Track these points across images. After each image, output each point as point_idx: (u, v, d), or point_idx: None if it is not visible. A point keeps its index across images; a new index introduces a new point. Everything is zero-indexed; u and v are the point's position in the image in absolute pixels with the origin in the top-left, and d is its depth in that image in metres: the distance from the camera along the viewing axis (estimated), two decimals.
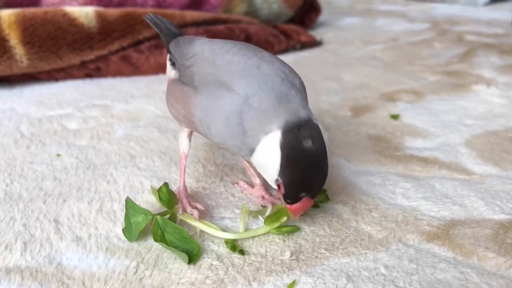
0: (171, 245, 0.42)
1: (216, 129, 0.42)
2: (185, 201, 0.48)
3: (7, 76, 0.89)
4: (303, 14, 1.36)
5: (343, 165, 0.59)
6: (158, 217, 0.44)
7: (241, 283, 0.39)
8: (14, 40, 0.85)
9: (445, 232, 0.46)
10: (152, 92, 0.86)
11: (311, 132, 0.39)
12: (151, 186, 0.53)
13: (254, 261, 0.42)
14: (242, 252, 0.43)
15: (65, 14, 0.91)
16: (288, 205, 0.41)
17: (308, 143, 0.39)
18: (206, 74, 0.43)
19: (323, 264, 0.42)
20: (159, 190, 0.48)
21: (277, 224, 0.45)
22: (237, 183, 0.54)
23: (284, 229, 0.45)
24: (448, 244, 0.44)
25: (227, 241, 0.44)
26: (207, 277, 0.40)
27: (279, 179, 0.40)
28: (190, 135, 0.51)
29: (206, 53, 0.45)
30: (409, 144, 0.65)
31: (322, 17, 1.48)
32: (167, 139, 0.67)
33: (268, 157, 0.40)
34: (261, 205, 0.50)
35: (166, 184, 0.49)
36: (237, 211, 0.50)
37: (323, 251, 0.43)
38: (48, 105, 0.80)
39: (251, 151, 0.41)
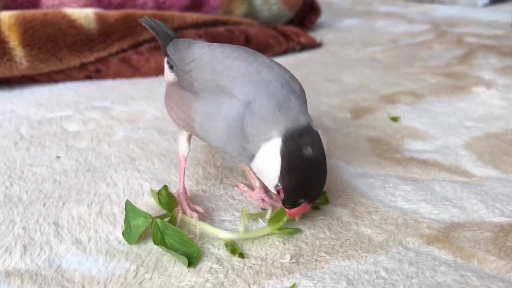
0: (171, 248, 0.42)
1: (216, 134, 0.42)
2: (184, 203, 0.48)
3: (7, 78, 0.89)
4: (303, 16, 1.36)
5: (343, 167, 0.59)
6: (158, 220, 0.44)
7: (241, 286, 0.39)
8: (14, 42, 0.85)
9: (445, 235, 0.46)
10: (152, 94, 0.86)
11: (311, 140, 0.40)
12: (151, 189, 0.53)
13: (254, 264, 0.42)
14: (241, 255, 0.43)
15: (65, 16, 0.91)
16: (286, 209, 0.43)
17: (308, 151, 0.40)
18: (206, 80, 0.43)
19: (323, 267, 0.41)
20: (159, 193, 0.48)
21: (279, 225, 0.45)
22: (237, 186, 0.54)
23: (285, 230, 0.45)
24: (448, 247, 0.44)
25: (226, 244, 0.44)
26: (207, 280, 0.40)
27: (278, 185, 0.41)
28: (189, 138, 0.51)
29: (206, 58, 0.45)
30: (409, 147, 0.65)
31: (322, 18, 1.48)
32: (167, 141, 0.66)
33: (268, 164, 0.40)
34: (261, 208, 0.50)
35: (165, 187, 0.49)
36: (237, 213, 0.50)
37: (323, 254, 0.43)
38: (48, 107, 0.80)
39: (251, 157, 0.41)
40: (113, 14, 0.95)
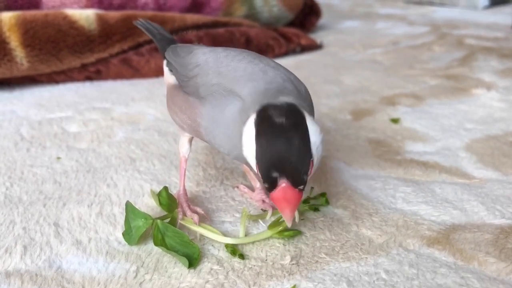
0: (171, 249, 0.42)
1: (221, 137, 0.42)
2: (185, 205, 0.48)
3: (7, 78, 0.89)
4: (304, 17, 1.36)
5: (343, 169, 0.59)
6: (159, 221, 0.44)
7: (241, 287, 0.39)
8: (14, 42, 0.85)
9: (445, 236, 0.46)
10: (153, 95, 0.86)
11: (287, 111, 0.38)
12: (151, 190, 0.53)
13: (254, 266, 0.42)
14: (242, 256, 0.43)
15: (65, 17, 0.91)
16: (270, 196, 0.38)
17: (280, 119, 0.37)
18: (212, 84, 0.43)
19: (324, 269, 0.41)
20: (159, 194, 0.48)
21: (279, 228, 0.45)
22: (237, 187, 0.54)
23: (286, 233, 0.45)
24: (448, 249, 0.44)
25: (227, 245, 0.44)
26: (207, 281, 0.40)
27: (256, 162, 0.38)
28: (191, 139, 0.51)
29: (211, 63, 0.45)
30: (409, 148, 0.65)
31: (322, 20, 1.48)
32: (167, 142, 0.66)
33: (248, 143, 0.38)
34: (261, 209, 0.50)
35: (166, 188, 0.49)
36: (238, 215, 0.49)
37: (324, 255, 0.43)
38: (48, 108, 0.80)
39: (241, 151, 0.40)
40: (113, 15, 0.95)
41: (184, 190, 0.50)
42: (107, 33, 0.93)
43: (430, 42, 1.30)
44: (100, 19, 0.93)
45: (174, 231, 0.43)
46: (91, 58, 0.93)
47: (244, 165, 0.54)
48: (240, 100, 0.40)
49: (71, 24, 0.90)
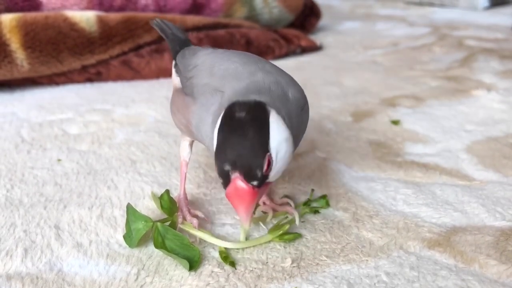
0: (172, 252, 0.42)
1: (205, 136, 0.42)
2: (185, 209, 0.48)
3: (8, 80, 0.89)
4: (304, 19, 1.36)
5: (344, 171, 0.59)
6: (159, 224, 0.44)
7: None
8: (15, 44, 0.86)
9: (446, 239, 0.46)
10: (153, 97, 0.86)
11: (250, 108, 0.37)
12: (152, 192, 0.53)
13: (255, 268, 0.42)
14: (233, 264, 0.42)
15: (66, 19, 0.91)
16: (226, 194, 0.37)
17: (240, 114, 0.36)
18: (204, 84, 0.43)
19: (324, 271, 0.41)
20: (161, 197, 0.48)
21: (279, 232, 0.45)
22: None
23: (286, 236, 0.45)
24: (449, 251, 0.44)
25: (221, 252, 0.44)
26: (208, 284, 0.40)
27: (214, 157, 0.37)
28: (191, 143, 0.51)
29: (207, 64, 0.45)
30: (410, 150, 0.65)
31: (323, 21, 1.49)
32: (167, 144, 0.67)
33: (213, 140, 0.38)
34: (262, 211, 0.50)
35: (167, 192, 0.49)
36: (238, 217, 0.49)
37: (324, 258, 0.43)
38: (49, 109, 0.80)
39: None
40: (114, 17, 0.95)
41: (185, 194, 0.50)
42: (107, 35, 0.93)
43: (430, 43, 1.30)
44: (101, 21, 0.93)
45: (174, 234, 0.43)
46: (91, 60, 0.93)
47: None
48: (221, 99, 0.40)
49: (72, 26, 0.90)
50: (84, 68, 0.94)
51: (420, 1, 2.01)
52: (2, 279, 0.40)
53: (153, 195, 0.52)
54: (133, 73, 0.96)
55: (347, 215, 0.50)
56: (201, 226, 0.46)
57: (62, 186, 0.56)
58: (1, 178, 0.57)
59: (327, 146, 0.66)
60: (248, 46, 1.08)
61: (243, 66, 0.43)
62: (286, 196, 0.52)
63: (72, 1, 0.99)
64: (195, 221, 0.46)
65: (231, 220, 0.49)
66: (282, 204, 0.50)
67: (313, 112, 0.77)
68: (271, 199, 0.51)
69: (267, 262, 0.43)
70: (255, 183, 0.36)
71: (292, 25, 1.31)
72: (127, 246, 0.45)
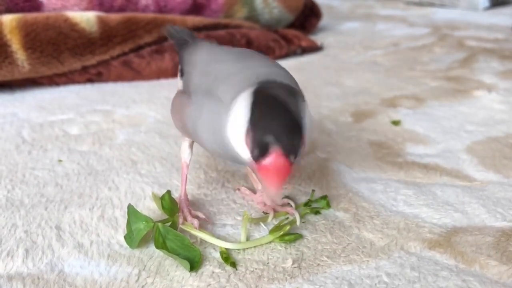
0: (172, 253, 0.42)
1: (202, 136, 0.42)
2: (185, 210, 0.48)
3: (8, 81, 0.89)
4: (304, 19, 1.36)
5: (345, 171, 0.59)
6: (159, 224, 0.44)
7: None
8: (15, 45, 0.86)
9: (447, 239, 0.46)
10: (153, 97, 0.86)
11: (284, 87, 0.37)
12: (153, 193, 0.53)
13: (256, 269, 0.42)
14: (234, 264, 0.42)
15: (66, 19, 0.91)
16: (258, 166, 0.36)
17: (277, 91, 0.37)
18: (197, 84, 0.43)
19: (325, 272, 0.42)
20: (162, 198, 0.48)
21: (280, 233, 0.45)
22: (238, 190, 0.54)
23: (287, 237, 0.45)
24: (450, 251, 0.44)
25: (222, 252, 0.44)
26: (209, 284, 0.40)
27: (248, 128, 0.36)
28: (192, 144, 0.51)
29: (203, 62, 0.45)
30: (410, 151, 0.65)
31: (323, 22, 1.49)
32: (168, 144, 0.67)
33: (237, 116, 0.37)
34: (263, 212, 0.50)
35: (168, 192, 0.49)
36: (239, 218, 0.50)
37: (325, 258, 0.43)
38: (50, 110, 0.80)
39: (227, 139, 0.39)
40: (114, 17, 0.95)
41: (185, 195, 0.50)
42: (108, 36, 0.93)
43: (430, 43, 1.30)
44: (101, 21, 0.93)
45: (175, 234, 0.44)
46: (92, 60, 0.93)
47: (246, 167, 0.54)
48: (216, 98, 0.40)
49: (72, 26, 0.91)
50: (85, 68, 0.94)
51: (420, 1, 2.01)
52: (3, 279, 0.41)
53: (154, 196, 0.52)
54: (134, 74, 0.96)
55: (348, 216, 0.50)
56: (202, 227, 0.46)
57: (63, 186, 0.56)
58: (2, 179, 0.57)
59: (328, 147, 0.66)
60: (249, 46, 1.08)
61: (235, 63, 0.43)
62: (287, 197, 0.52)
63: (72, 1, 0.99)
64: (195, 221, 0.46)
65: (231, 221, 0.49)
66: (283, 205, 0.50)
67: (314, 113, 0.77)
68: (272, 200, 0.51)
69: (268, 263, 0.43)
70: (292, 158, 0.36)
71: (292, 25, 1.31)
72: (128, 246, 0.45)
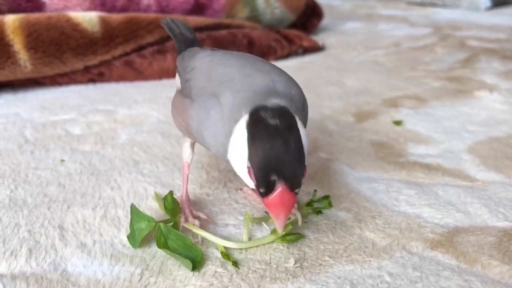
0: (174, 252, 0.42)
1: (209, 139, 0.42)
2: (187, 211, 0.48)
3: (11, 81, 0.90)
4: (306, 19, 1.36)
5: (346, 171, 0.59)
6: (161, 224, 0.44)
7: None
8: (18, 45, 0.86)
9: (448, 239, 0.46)
10: (156, 97, 0.86)
11: (281, 114, 0.38)
12: (155, 193, 0.53)
13: (258, 269, 0.42)
14: (236, 264, 0.42)
15: (68, 19, 0.91)
16: (265, 201, 0.37)
17: (274, 121, 0.37)
18: (201, 87, 0.43)
19: (327, 272, 0.42)
20: (165, 198, 0.48)
21: (282, 233, 0.45)
22: (240, 189, 0.55)
23: (288, 237, 0.45)
24: (452, 251, 0.44)
25: (222, 253, 0.44)
26: (212, 284, 0.40)
27: (248, 164, 0.37)
28: (193, 144, 0.51)
29: (204, 67, 0.45)
30: (412, 151, 0.65)
31: (324, 22, 1.49)
32: (170, 144, 0.67)
33: (238, 145, 0.38)
34: (265, 212, 0.50)
35: (171, 193, 0.49)
36: (241, 217, 0.50)
37: (327, 258, 0.43)
38: (52, 110, 0.80)
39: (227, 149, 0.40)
40: (116, 17, 0.95)
41: (187, 195, 0.50)
42: (110, 36, 0.93)
43: (432, 43, 1.30)
44: (103, 21, 0.93)
45: (177, 234, 0.44)
46: (94, 61, 0.93)
47: None
48: (220, 103, 0.41)
49: (74, 26, 0.91)
50: (87, 68, 0.94)
51: (422, 2, 2.01)
52: (7, 279, 0.41)
53: (157, 196, 0.52)
54: (136, 74, 0.97)
55: (349, 216, 0.50)
56: (203, 227, 0.47)
57: (66, 186, 0.56)
58: (5, 179, 0.57)
59: (330, 147, 0.66)
60: (250, 46, 1.08)
61: (239, 69, 0.43)
62: None
63: (74, 1, 0.99)
64: (197, 222, 0.47)
65: (233, 221, 0.49)
66: None
67: (315, 113, 0.77)
68: None
69: (270, 263, 0.43)
70: (297, 190, 0.37)
71: (294, 25, 1.31)
72: (131, 246, 0.45)
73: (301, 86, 0.45)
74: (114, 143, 0.67)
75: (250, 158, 0.37)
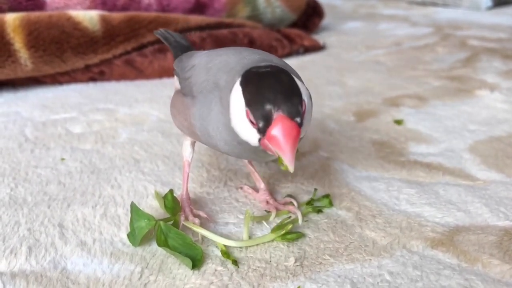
0: (174, 250, 0.42)
1: (213, 134, 0.42)
2: (187, 209, 0.48)
3: (11, 79, 0.90)
4: (306, 19, 1.36)
5: (347, 170, 0.59)
6: (161, 222, 0.44)
7: None
8: (18, 44, 0.86)
9: (449, 238, 0.46)
10: (156, 97, 0.86)
11: (272, 67, 0.39)
12: (155, 191, 0.53)
13: (258, 267, 0.42)
14: (236, 262, 0.42)
15: (69, 18, 0.91)
16: (267, 137, 0.36)
17: (265, 69, 0.38)
18: (202, 81, 0.43)
19: (328, 271, 0.42)
20: (165, 197, 0.48)
21: (282, 232, 0.45)
22: (241, 188, 0.55)
23: (289, 236, 0.45)
24: (452, 250, 0.44)
25: (222, 251, 0.44)
26: (212, 282, 0.40)
27: (247, 108, 0.37)
28: (193, 143, 0.51)
29: (203, 63, 0.45)
30: (413, 150, 0.65)
31: (325, 21, 1.48)
32: (171, 143, 0.67)
33: (236, 104, 0.38)
34: (265, 210, 0.50)
35: (171, 191, 0.49)
36: (241, 216, 0.50)
37: (328, 257, 0.43)
38: (52, 109, 0.80)
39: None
40: (117, 16, 0.95)
41: (187, 193, 0.50)
42: (110, 34, 0.93)
43: (433, 43, 1.30)
44: (104, 20, 0.93)
45: (177, 232, 0.44)
46: (94, 59, 0.93)
47: (248, 166, 0.54)
48: (220, 90, 0.41)
49: (75, 25, 0.91)
50: (88, 67, 0.94)
51: (423, 1, 2.00)
52: (6, 277, 0.41)
53: (157, 194, 0.52)
54: (136, 73, 0.97)
55: (350, 215, 0.50)
56: (204, 226, 0.47)
57: (66, 185, 0.56)
58: (5, 177, 0.57)
59: (330, 146, 0.66)
60: (251, 45, 1.08)
61: (235, 55, 0.43)
62: (289, 196, 0.52)
63: (75, 0, 0.99)
64: (197, 220, 0.47)
65: (234, 219, 0.49)
66: (285, 204, 0.51)
67: (316, 112, 0.77)
68: (274, 199, 0.51)
69: (270, 261, 0.43)
70: (298, 119, 0.36)
71: (295, 25, 1.31)
72: (131, 244, 0.45)
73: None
74: (115, 142, 0.67)
75: (246, 100, 0.37)
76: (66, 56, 0.90)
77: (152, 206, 0.51)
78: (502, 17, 1.67)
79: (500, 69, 1.03)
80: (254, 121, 0.37)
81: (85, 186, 0.55)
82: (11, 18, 0.87)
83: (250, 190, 0.53)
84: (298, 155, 0.62)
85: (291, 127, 0.36)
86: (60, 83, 0.94)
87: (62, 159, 0.62)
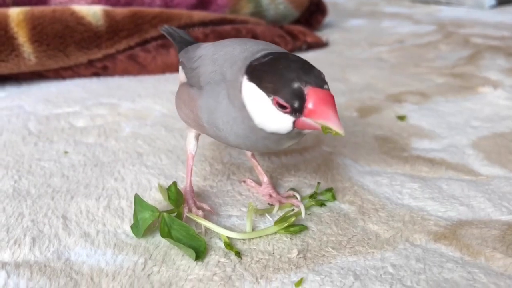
0: (178, 242, 0.43)
1: (223, 128, 0.42)
2: (190, 202, 0.48)
3: (15, 74, 0.90)
4: (310, 15, 1.36)
5: (350, 165, 0.59)
6: (165, 214, 0.44)
7: (249, 280, 0.40)
8: (22, 38, 0.86)
9: (452, 232, 0.46)
10: (159, 92, 0.86)
11: (271, 53, 0.40)
12: (159, 184, 0.53)
13: (261, 259, 0.42)
14: (238, 254, 0.42)
15: (73, 13, 0.91)
16: (307, 114, 0.37)
17: (268, 57, 0.39)
18: (209, 72, 0.43)
19: (331, 263, 0.42)
20: (168, 189, 0.49)
21: (285, 224, 0.45)
22: (244, 181, 0.55)
23: (292, 228, 0.45)
24: (455, 244, 0.44)
25: (225, 243, 0.44)
26: (215, 274, 0.40)
27: (271, 97, 0.38)
28: (197, 136, 0.51)
29: (210, 53, 0.45)
30: (416, 145, 0.65)
31: (328, 18, 1.48)
32: (174, 137, 0.67)
33: (254, 100, 0.38)
34: (268, 204, 0.51)
35: (175, 183, 0.49)
36: (244, 209, 0.50)
37: (330, 249, 0.43)
38: (56, 103, 0.80)
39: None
40: (120, 11, 0.95)
41: (191, 186, 0.50)
42: (114, 29, 0.93)
43: (436, 40, 1.30)
44: (107, 15, 0.93)
45: (180, 224, 0.44)
46: (98, 54, 0.93)
47: (252, 160, 0.54)
48: (225, 83, 0.41)
49: (79, 20, 0.91)
50: (91, 62, 0.94)
51: (426, 0, 2.00)
52: (10, 267, 0.41)
53: (160, 187, 0.52)
54: (140, 68, 0.97)
55: (353, 208, 0.50)
56: (207, 218, 0.47)
57: (69, 177, 0.56)
58: (9, 170, 0.57)
59: (333, 141, 0.66)
60: None
61: (240, 45, 0.43)
62: (292, 189, 0.52)
63: None
64: (200, 213, 0.47)
65: (237, 212, 0.49)
66: (288, 197, 0.51)
67: None
68: (277, 192, 0.51)
69: (273, 253, 0.43)
70: (326, 87, 0.37)
71: (298, 21, 1.31)
72: (134, 236, 0.45)
73: None
74: (118, 136, 0.67)
75: (269, 90, 0.37)
76: (69, 50, 0.90)
77: (156, 199, 0.52)
78: (505, 16, 1.67)
79: (504, 66, 1.03)
80: (287, 104, 0.37)
81: (89, 179, 0.56)
82: (15, 13, 0.87)
83: (253, 184, 0.53)
84: (301, 150, 0.63)
85: (326, 94, 0.37)
86: (63, 77, 0.94)
87: (66, 152, 0.62)
